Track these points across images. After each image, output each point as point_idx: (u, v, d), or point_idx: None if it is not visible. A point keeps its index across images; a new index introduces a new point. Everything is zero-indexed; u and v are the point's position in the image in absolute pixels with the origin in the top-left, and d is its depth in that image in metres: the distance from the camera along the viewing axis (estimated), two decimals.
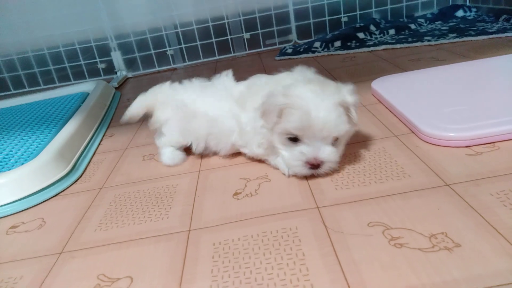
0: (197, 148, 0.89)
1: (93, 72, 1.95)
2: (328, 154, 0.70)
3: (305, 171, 0.72)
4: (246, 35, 1.95)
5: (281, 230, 0.63)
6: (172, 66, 1.96)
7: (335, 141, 0.72)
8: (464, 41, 1.54)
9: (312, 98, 0.68)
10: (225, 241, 0.62)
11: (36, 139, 1.09)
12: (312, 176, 0.75)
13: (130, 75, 1.95)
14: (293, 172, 0.74)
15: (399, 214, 0.61)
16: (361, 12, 1.97)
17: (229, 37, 1.94)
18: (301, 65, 0.83)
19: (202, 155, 0.93)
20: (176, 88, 0.93)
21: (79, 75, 1.94)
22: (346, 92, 0.73)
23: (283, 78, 0.78)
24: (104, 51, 1.91)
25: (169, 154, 0.91)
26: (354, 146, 0.86)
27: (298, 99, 0.69)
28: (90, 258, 0.64)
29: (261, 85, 0.80)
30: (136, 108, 0.97)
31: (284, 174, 0.77)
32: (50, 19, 1.83)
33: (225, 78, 0.90)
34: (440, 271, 0.49)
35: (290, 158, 0.72)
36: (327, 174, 0.74)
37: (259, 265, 0.56)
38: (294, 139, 0.71)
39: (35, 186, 0.85)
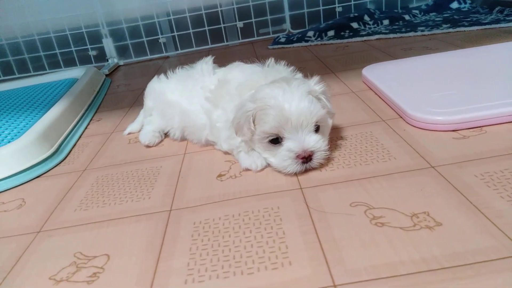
0: (174, 136, 0.92)
1: (84, 59, 1.92)
2: (315, 142, 0.68)
3: (299, 167, 0.68)
4: (239, 24, 1.93)
5: (262, 210, 0.62)
6: (164, 54, 1.94)
7: (317, 131, 0.71)
8: (457, 31, 1.53)
9: (281, 94, 0.67)
10: (206, 220, 0.61)
11: (21, 122, 1.07)
12: (306, 171, 0.70)
13: (121, 62, 1.93)
14: (287, 172, 0.69)
15: (382, 194, 0.61)
16: (356, 2, 1.95)
17: (222, 25, 1.92)
18: (272, 59, 0.82)
19: None
20: (161, 79, 0.96)
21: (70, 62, 1.91)
22: (311, 82, 0.73)
23: (256, 75, 0.77)
24: (96, 37, 1.89)
25: (145, 132, 0.94)
26: (341, 130, 0.85)
27: (267, 99, 0.68)
28: (68, 237, 0.63)
29: (232, 84, 0.78)
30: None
31: (250, 170, 0.74)
32: (41, 3, 1.81)
33: (204, 66, 0.89)
34: (420, 249, 0.48)
35: (280, 160, 0.69)
36: (321, 165, 0.71)
37: (238, 243, 0.55)
38: (276, 141, 0.70)
39: (17, 167, 0.84)
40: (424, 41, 1.48)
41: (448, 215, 0.54)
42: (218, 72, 0.88)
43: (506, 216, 0.52)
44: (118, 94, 1.43)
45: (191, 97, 0.86)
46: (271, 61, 0.82)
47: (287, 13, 1.95)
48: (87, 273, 0.54)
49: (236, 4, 1.89)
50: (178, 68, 0.96)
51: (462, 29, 1.53)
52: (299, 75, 0.80)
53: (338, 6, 1.95)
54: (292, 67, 0.82)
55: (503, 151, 0.67)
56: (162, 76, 0.97)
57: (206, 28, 1.90)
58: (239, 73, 0.82)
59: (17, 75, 1.91)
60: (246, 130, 0.70)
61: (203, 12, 1.87)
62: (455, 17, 1.75)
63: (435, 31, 1.56)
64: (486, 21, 1.57)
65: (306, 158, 0.68)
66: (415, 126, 0.81)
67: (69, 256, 0.58)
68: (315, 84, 0.73)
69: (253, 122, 0.70)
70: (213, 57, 0.93)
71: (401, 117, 0.86)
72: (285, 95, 0.67)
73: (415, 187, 0.61)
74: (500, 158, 0.65)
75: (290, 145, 0.68)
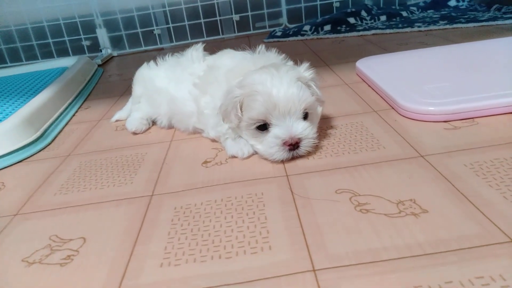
0: (161, 123, 0.91)
1: (78, 49, 1.89)
2: (302, 129, 0.66)
3: (285, 154, 0.67)
4: (236, 17, 1.91)
5: (246, 196, 0.60)
6: (159, 46, 1.92)
7: (305, 118, 0.69)
8: (454, 28, 1.52)
9: (269, 79, 0.65)
10: (187, 205, 0.60)
11: (7, 108, 1.05)
12: (293, 159, 0.68)
13: (115, 53, 1.90)
14: (274, 159, 0.68)
15: (369, 182, 0.59)
16: None
17: (218, 18, 1.90)
18: (263, 45, 0.81)
19: None
20: (151, 66, 0.95)
21: (63, 52, 1.89)
22: (301, 69, 0.72)
23: (245, 61, 0.76)
24: (90, 28, 1.86)
25: (133, 119, 0.92)
26: (331, 120, 0.83)
27: (256, 85, 0.66)
28: (45, 220, 0.61)
29: (222, 70, 0.76)
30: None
31: (236, 157, 0.73)
32: None
33: (194, 53, 0.88)
34: (404, 235, 0.47)
35: (267, 147, 0.68)
36: (308, 153, 0.69)
37: (218, 228, 0.53)
38: (263, 127, 0.68)
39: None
40: (420, 36, 1.46)
41: (435, 203, 0.52)
42: (208, 59, 0.86)
43: (493, 203, 0.50)
44: (109, 83, 1.41)
45: (180, 84, 0.84)
46: (261, 48, 0.81)
47: (284, 7, 1.93)
48: (61, 256, 0.52)
49: None
50: (168, 55, 0.94)
51: (459, 25, 1.52)
52: (290, 62, 0.78)
53: (336, 1, 1.93)
54: (283, 55, 0.80)
55: (494, 141, 0.65)
56: (151, 63, 0.95)
57: (202, 20, 1.88)
58: (229, 59, 0.80)
59: (9, 64, 1.88)
60: (233, 116, 0.68)
61: (199, 4, 1.85)
62: (453, 14, 1.73)
63: (432, 27, 1.55)
64: (483, 19, 1.56)
65: (293, 145, 0.66)
66: (406, 117, 0.79)
67: (44, 239, 0.56)
68: (304, 70, 0.72)
69: (241, 108, 0.68)
70: (203, 44, 0.91)
71: (393, 108, 0.84)
72: (273, 80, 0.66)
73: (402, 176, 0.59)
74: (490, 148, 0.64)
75: (277, 132, 0.66)
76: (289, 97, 0.65)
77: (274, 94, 0.65)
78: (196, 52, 0.89)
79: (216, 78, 0.76)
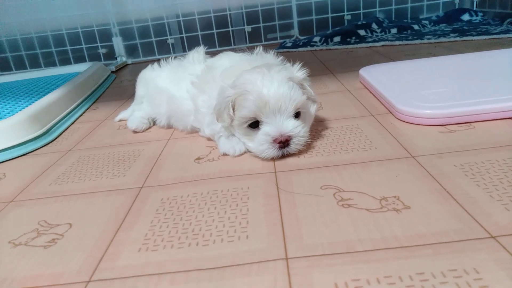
0: (160, 123, 0.92)
1: (94, 57, 1.96)
2: (293, 127, 0.67)
3: (276, 151, 0.67)
4: (248, 28, 1.95)
5: (232, 189, 0.60)
6: (172, 55, 1.96)
7: (297, 117, 0.69)
8: (464, 40, 1.51)
9: (260, 79, 0.66)
10: (174, 197, 0.60)
11: (19, 106, 1.09)
12: (284, 157, 0.68)
13: (130, 61, 1.96)
14: (264, 156, 0.68)
15: (356, 179, 0.59)
16: (365, 11, 1.95)
17: (230, 29, 1.94)
18: (260, 47, 0.82)
19: None
20: (154, 68, 0.98)
21: (80, 59, 1.96)
22: (294, 69, 0.73)
23: (241, 62, 0.77)
24: (106, 36, 1.93)
25: (134, 118, 0.94)
26: (328, 122, 0.83)
27: (247, 84, 0.67)
28: (37, 207, 0.63)
29: (218, 70, 0.78)
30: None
31: (227, 155, 0.73)
32: (55, 0, 1.86)
33: (195, 55, 0.90)
34: (382, 229, 0.46)
35: (257, 144, 0.68)
36: (299, 152, 0.69)
37: (200, 218, 0.54)
38: (255, 125, 0.68)
39: (4, 143, 0.85)
40: (429, 48, 1.45)
41: (419, 200, 0.51)
42: (208, 61, 0.88)
43: (479, 202, 0.49)
44: (120, 88, 1.45)
45: (179, 84, 0.86)
46: (259, 49, 0.82)
47: (295, 19, 1.96)
48: (46, 239, 0.53)
49: (245, 8, 1.91)
50: (171, 58, 0.97)
51: (470, 38, 1.50)
52: (288, 64, 0.79)
53: (347, 14, 1.95)
54: (281, 57, 0.81)
55: (488, 144, 0.64)
56: (155, 64, 0.98)
57: (214, 30, 1.92)
58: (227, 60, 0.82)
59: (29, 70, 1.96)
60: (226, 116, 0.69)
61: (212, 15, 1.89)
62: (465, 27, 1.72)
63: (442, 39, 1.54)
64: (495, 32, 1.54)
65: (283, 143, 0.67)
66: (403, 121, 0.78)
67: (33, 224, 0.58)
68: (297, 71, 0.73)
69: (233, 108, 0.69)
70: (205, 47, 0.94)
71: (390, 113, 0.84)
72: (264, 80, 0.67)
73: (390, 174, 0.59)
74: (483, 150, 0.62)
75: (268, 129, 0.67)
76: (280, 95, 0.65)
77: (264, 93, 0.65)
78: (197, 54, 0.91)
79: (213, 78, 0.78)
